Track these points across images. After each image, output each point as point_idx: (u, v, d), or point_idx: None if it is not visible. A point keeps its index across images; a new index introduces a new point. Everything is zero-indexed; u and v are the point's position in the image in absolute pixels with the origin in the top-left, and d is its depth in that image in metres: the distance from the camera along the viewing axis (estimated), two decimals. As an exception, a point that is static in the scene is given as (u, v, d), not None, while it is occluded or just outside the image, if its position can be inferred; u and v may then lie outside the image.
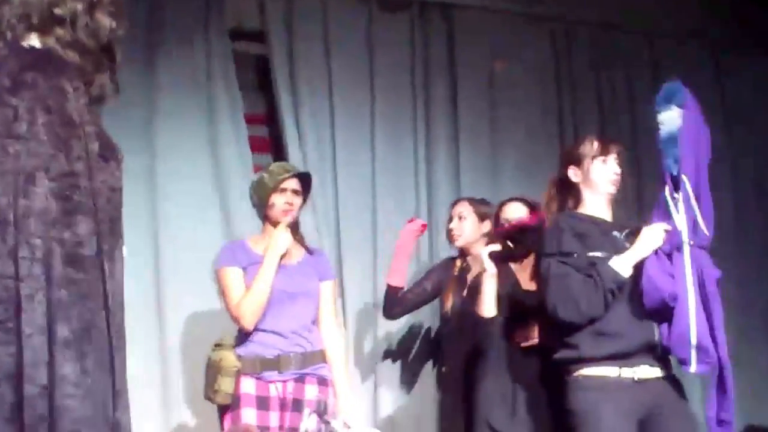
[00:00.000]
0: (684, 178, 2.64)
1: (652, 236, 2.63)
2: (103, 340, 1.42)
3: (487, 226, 3.41)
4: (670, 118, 2.67)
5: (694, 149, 2.68)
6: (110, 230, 1.50)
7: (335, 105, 4.01)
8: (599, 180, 2.80)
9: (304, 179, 3.10)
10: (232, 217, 3.73)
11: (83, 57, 1.52)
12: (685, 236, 2.61)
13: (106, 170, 1.50)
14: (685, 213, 2.62)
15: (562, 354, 2.70)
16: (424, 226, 3.56)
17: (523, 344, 3.05)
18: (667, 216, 2.64)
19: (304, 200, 3.11)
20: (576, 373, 2.65)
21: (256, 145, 4.00)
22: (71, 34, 1.52)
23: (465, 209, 3.46)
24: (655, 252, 2.62)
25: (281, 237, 2.99)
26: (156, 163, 3.69)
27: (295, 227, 3.08)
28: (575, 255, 2.68)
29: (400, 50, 4.18)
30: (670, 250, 2.62)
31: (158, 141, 3.70)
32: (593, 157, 2.80)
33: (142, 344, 3.41)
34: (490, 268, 2.91)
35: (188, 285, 3.59)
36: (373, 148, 4.04)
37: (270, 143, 4.11)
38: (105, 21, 1.55)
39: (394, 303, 3.49)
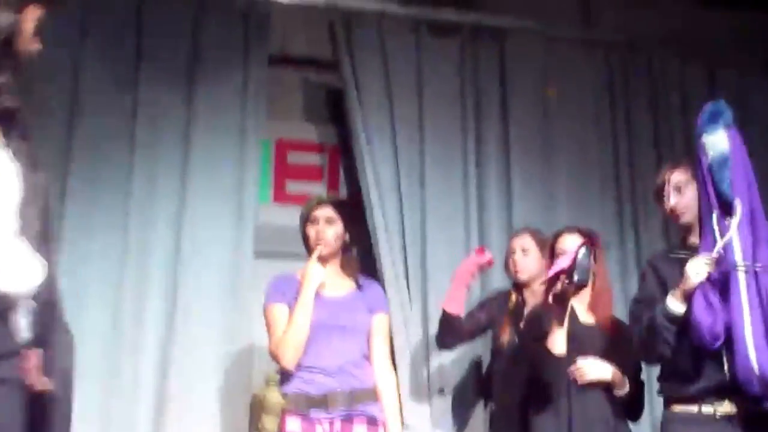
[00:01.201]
0: (737, 201, 2.52)
1: (694, 269, 2.52)
2: None
3: None
4: (718, 141, 2.57)
5: (744, 170, 2.57)
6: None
7: (392, 134, 3.96)
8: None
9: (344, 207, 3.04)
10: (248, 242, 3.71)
11: None
12: (739, 261, 2.48)
13: None
14: (739, 237, 2.50)
15: (660, 388, 2.74)
16: (490, 261, 3.40)
17: (580, 381, 2.96)
18: (713, 243, 2.52)
19: (351, 228, 3.02)
20: (666, 409, 2.70)
21: (314, 174, 4.07)
22: None
23: (528, 242, 3.37)
24: (709, 281, 2.50)
25: (312, 269, 2.92)
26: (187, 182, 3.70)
27: (345, 257, 2.99)
28: (654, 297, 2.66)
29: (451, 77, 4.11)
30: (722, 278, 2.51)
31: (191, 158, 3.71)
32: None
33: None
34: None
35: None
36: (423, 175, 3.96)
37: (329, 172, 4.12)
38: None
39: (449, 331, 3.37)
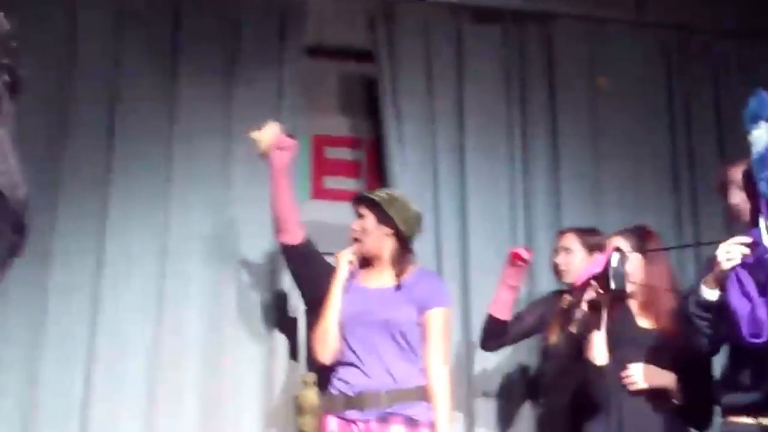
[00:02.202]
0: None
1: (725, 252, 2.36)
2: None
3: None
4: (759, 138, 2.38)
5: None
6: None
7: (434, 125, 3.85)
8: None
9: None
10: None
11: None
12: None
13: None
14: None
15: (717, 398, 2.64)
16: (516, 255, 3.17)
17: (632, 388, 2.86)
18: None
19: (391, 225, 2.93)
20: (723, 419, 2.59)
21: (352, 170, 4.01)
22: None
23: (572, 242, 3.23)
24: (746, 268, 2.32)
25: (340, 262, 2.91)
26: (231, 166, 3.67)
27: (398, 251, 2.90)
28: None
29: (494, 65, 3.96)
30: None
31: (231, 152, 3.67)
32: None
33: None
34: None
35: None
36: (464, 170, 3.82)
37: (368, 167, 4.03)
38: None
39: (494, 335, 3.27)
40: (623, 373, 2.85)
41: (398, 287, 2.88)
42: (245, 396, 3.42)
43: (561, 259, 3.23)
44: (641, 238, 2.98)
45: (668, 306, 2.93)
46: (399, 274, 2.90)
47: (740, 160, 2.61)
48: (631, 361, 2.86)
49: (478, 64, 3.94)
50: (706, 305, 2.41)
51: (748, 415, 2.46)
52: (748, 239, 2.35)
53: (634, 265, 2.88)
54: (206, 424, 3.38)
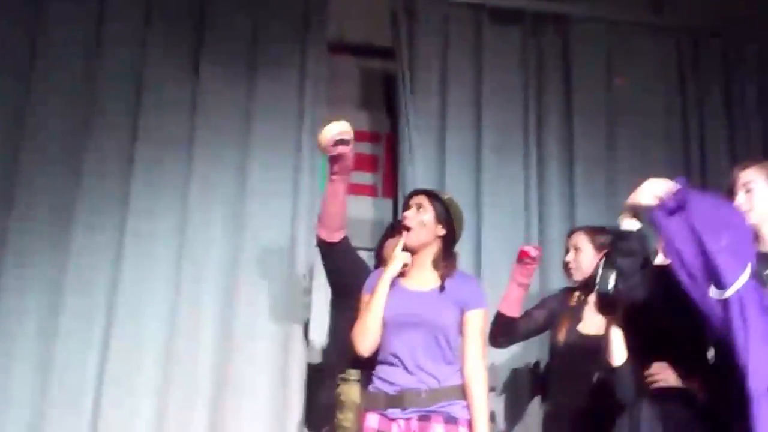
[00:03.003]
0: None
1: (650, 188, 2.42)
2: None
3: None
4: None
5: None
6: None
7: (447, 123, 3.90)
8: None
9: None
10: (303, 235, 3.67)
11: None
12: None
13: None
14: None
15: None
16: (524, 253, 3.23)
17: (654, 386, 2.78)
18: None
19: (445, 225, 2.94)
20: None
21: (371, 164, 4.05)
22: None
23: (581, 240, 3.26)
24: None
25: (396, 260, 2.89)
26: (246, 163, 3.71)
27: (440, 253, 2.92)
28: None
29: (512, 65, 4.01)
30: None
31: (251, 147, 3.73)
32: None
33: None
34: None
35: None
36: (479, 166, 3.87)
37: (386, 162, 4.07)
38: None
39: (503, 331, 3.29)
40: (647, 372, 2.76)
41: (442, 289, 2.89)
42: (258, 387, 3.48)
43: (570, 257, 3.26)
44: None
45: None
46: (443, 277, 2.90)
47: (748, 164, 2.61)
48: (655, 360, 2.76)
49: (496, 63, 3.99)
50: (629, 236, 2.48)
51: None
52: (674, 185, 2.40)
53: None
54: (218, 414, 3.44)
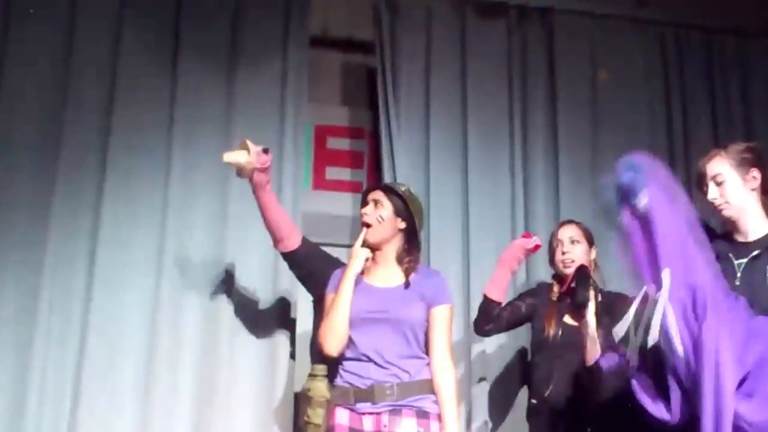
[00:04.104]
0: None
1: None
2: None
3: (594, 252, 3.26)
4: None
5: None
6: None
7: (431, 117, 3.87)
8: None
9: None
10: None
11: None
12: None
13: None
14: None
15: None
16: (537, 246, 3.28)
17: None
18: None
19: (405, 218, 2.93)
20: None
21: (355, 160, 4.00)
22: None
23: (577, 233, 3.26)
24: None
25: (357, 256, 2.88)
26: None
27: (403, 249, 2.91)
28: None
29: (496, 59, 4.00)
30: None
31: (233, 142, 3.52)
32: None
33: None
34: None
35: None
36: (465, 161, 3.85)
37: (370, 158, 4.03)
38: None
39: (488, 317, 3.29)
40: None
41: (407, 285, 2.89)
42: (243, 393, 3.41)
43: (568, 248, 3.24)
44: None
45: None
46: (408, 272, 2.90)
47: (715, 154, 2.62)
48: None
49: (480, 56, 3.98)
50: None
51: None
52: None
53: None
54: (201, 420, 3.36)
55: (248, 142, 2.98)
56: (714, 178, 2.57)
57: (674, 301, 2.22)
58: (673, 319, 2.21)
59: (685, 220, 2.32)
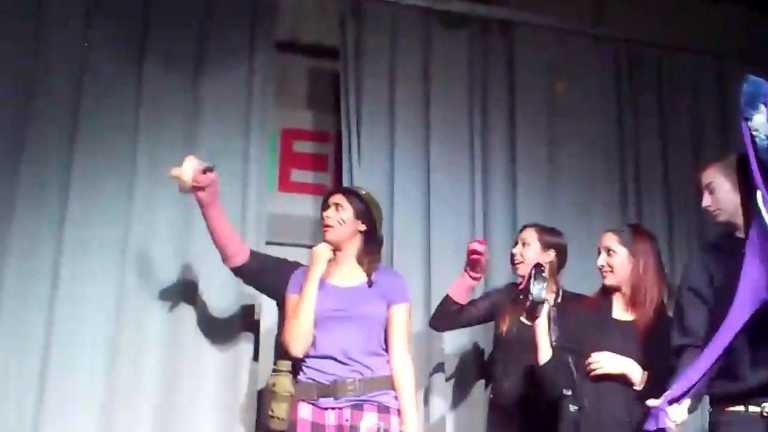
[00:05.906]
0: None
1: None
2: None
3: (551, 255, 3.37)
4: (761, 121, 2.33)
5: None
6: None
7: (395, 122, 3.95)
8: None
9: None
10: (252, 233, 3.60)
11: None
12: None
13: None
14: None
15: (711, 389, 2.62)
16: (473, 251, 3.33)
17: (593, 374, 2.95)
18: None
19: (365, 220, 3.01)
20: (712, 409, 2.61)
21: (320, 164, 4.07)
22: None
23: (530, 236, 3.40)
24: None
25: (320, 256, 2.94)
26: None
27: (363, 249, 3.00)
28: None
29: (459, 67, 4.10)
30: None
31: (197, 146, 3.61)
32: None
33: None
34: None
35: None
36: (428, 170, 3.95)
37: (336, 162, 4.07)
38: None
39: (445, 315, 3.42)
40: (587, 360, 2.95)
41: (370, 284, 2.97)
42: (207, 393, 3.42)
43: (517, 250, 3.40)
44: (632, 234, 3.09)
45: (649, 300, 3.02)
46: (370, 272, 2.98)
47: (707, 166, 2.70)
48: (603, 350, 2.94)
49: (443, 64, 4.06)
50: None
51: (738, 403, 2.48)
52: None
53: (621, 260, 3.04)
54: (166, 421, 3.37)
55: (192, 158, 3.00)
56: (707, 186, 2.65)
57: None
58: None
59: None
